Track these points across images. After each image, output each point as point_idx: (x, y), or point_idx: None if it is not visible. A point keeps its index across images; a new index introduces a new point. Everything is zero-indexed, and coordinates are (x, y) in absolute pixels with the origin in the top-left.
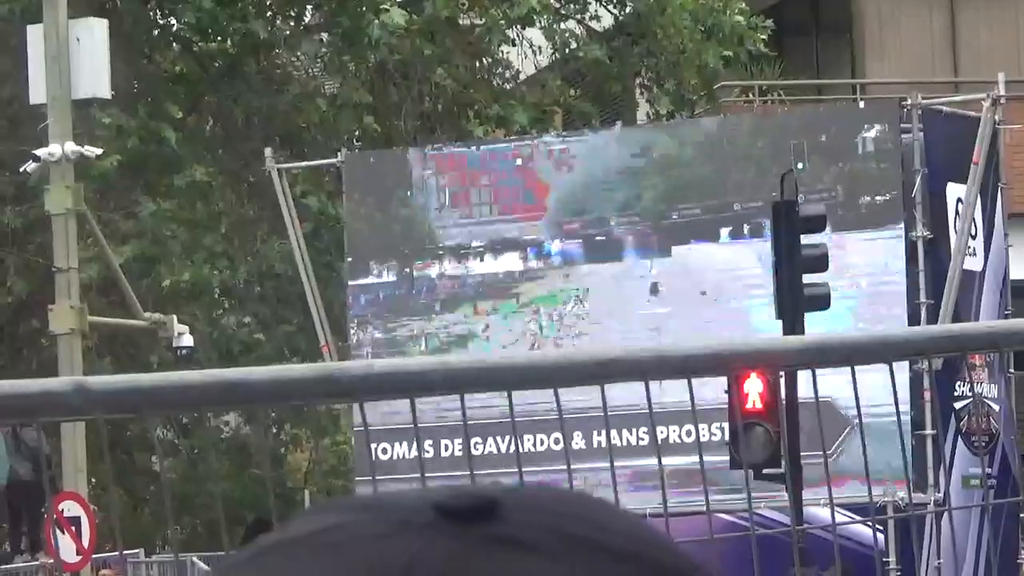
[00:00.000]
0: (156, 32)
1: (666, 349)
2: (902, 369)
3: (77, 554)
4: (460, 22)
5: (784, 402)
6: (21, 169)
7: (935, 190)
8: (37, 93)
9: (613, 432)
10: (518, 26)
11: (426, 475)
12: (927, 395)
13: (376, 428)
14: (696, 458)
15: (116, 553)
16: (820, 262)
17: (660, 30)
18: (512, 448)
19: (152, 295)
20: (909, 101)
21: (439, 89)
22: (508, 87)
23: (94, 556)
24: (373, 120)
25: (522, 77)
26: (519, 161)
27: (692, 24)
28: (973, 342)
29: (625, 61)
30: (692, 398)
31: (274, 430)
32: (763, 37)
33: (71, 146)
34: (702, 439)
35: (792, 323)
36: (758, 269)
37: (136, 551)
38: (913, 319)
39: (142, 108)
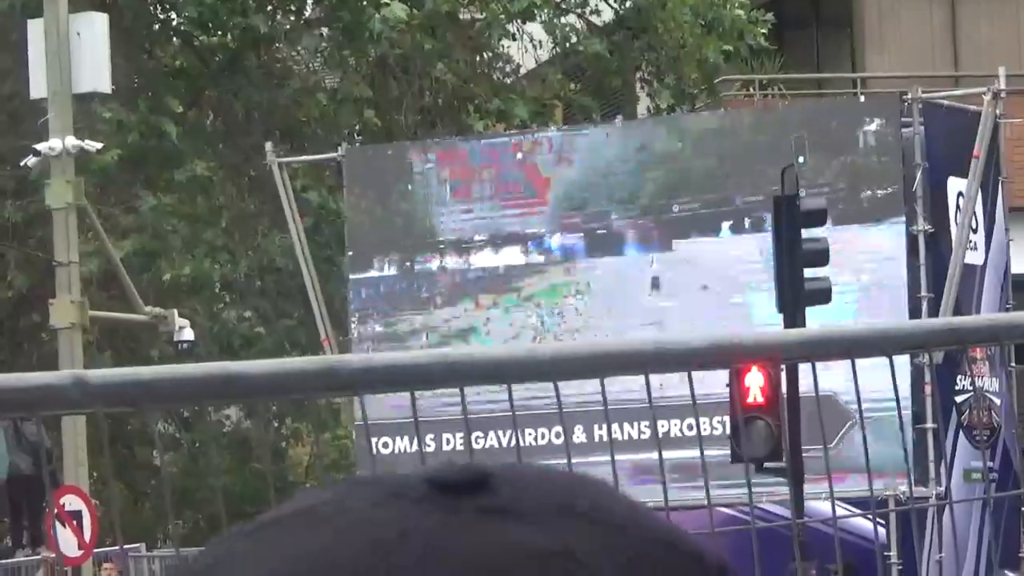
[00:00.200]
0: (156, 26)
1: (666, 342)
2: (903, 363)
3: (79, 548)
4: (460, 16)
5: (785, 396)
6: (22, 163)
7: (936, 184)
8: (38, 88)
9: (615, 426)
10: (518, 20)
11: None
12: (928, 389)
13: (377, 422)
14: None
15: (117, 547)
16: (821, 256)
17: (660, 24)
18: (520, 441)
19: (153, 289)
20: (910, 95)
21: (439, 83)
22: (508, 81)
23: (96, 550)
24: (374, 114)
25: (522, 71)
26: (520, 155)
27: (692, 18)
28: (973, 335)
29: (626, 55)
30: (692, 391)
31: (275, 424)
32: (763, 31)
33: (72, 140)
34: (704, 433)
35: (793, 317)
36: (759, 263)
37: (138, 545)
38: (914, 313)
39: (143, 102)
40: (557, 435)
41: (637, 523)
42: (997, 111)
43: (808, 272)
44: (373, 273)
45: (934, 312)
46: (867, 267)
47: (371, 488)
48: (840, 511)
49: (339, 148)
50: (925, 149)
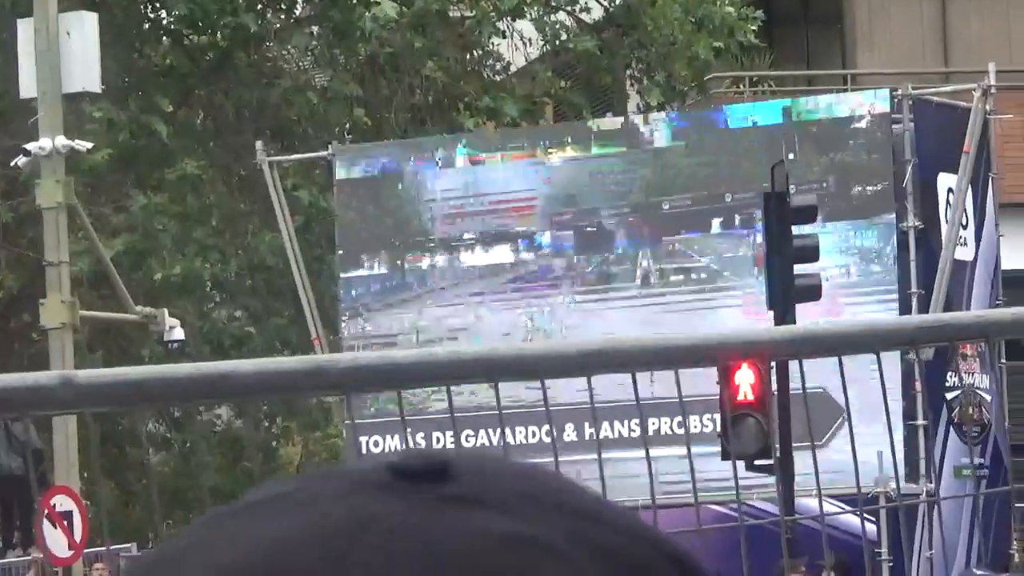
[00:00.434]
0: (146, 25)
1: (653, 340)
2: (895, 359)
3: (69, 548)
4: (450, 14)
5: (774, 393)
6: (12, 163)
7: (926, 180)
8: (27, 87)
9: (605, 424)
10: (508, 18)
11: None
12: (919, 385)
13: (368, 421)
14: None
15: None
16: (811, 252)
17: (650, 21)
18: (510, 440)
19: (143, 289)
20: (900, 91)
21: (430, 82)
22: (498, 79)
23: (86, 550)
24: (364, 113)
25: (512, 69)
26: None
27: (682, 15)
28: (961, 332)
29: (615, 53)
30: (679, 389)
31: (266, 423)
32: (753, 28)
33: (62, 140)
34: (695, 430)
35: (783, 313)
36: (750, 260)
37: (128, 545)
38: (904, 309)
39: (133, 102)
40: (548, 433)
41: (600, 512)
42: (987, 107)
43: (798, 268)
44: (363, 272)
45: (924, 308)
46: (857, 263)
47: (334, 478)
48: (831, 508)
49: (329, 147)
50: (915, 145)
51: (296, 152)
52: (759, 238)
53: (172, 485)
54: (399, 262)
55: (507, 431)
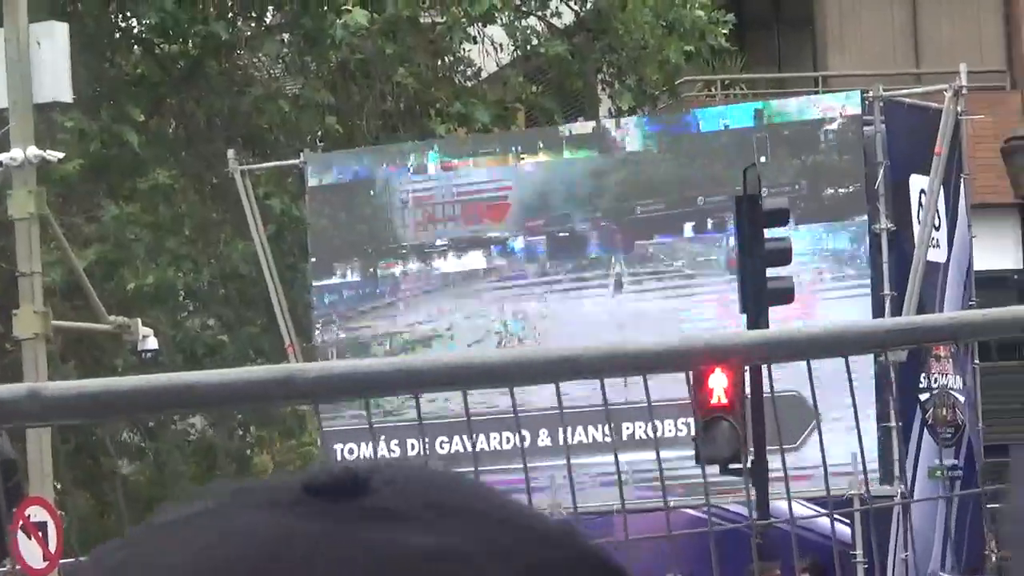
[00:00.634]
0: (117, 35)
1: (624, 346)
2: (868, 362)
3: (44, 559)
4: (421, 21)
5: (747, 396)
6: None
7: (898, 182)
8: None
9: (579, 429)
10: (479, 24)
11: None
12: (892, 387)
13: (342, 428)
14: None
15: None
16: (784, 255)
17: (621, 26)
18: (483, 446)
19: (116, 299)
20: (871, 93)
21: (401, 88)
22: (470, 85)
23: (61, 561)
24: (335, 120)
25: (484, 75)
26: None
27: (653, 19)
28: (931, 334)
29: (586, 57)
30: (648, 394)
31: (240, 432)
32: (724, 32)
33: (33, 150)
34: (669, 434)
35: (756, 316)
36: (722, 264)
37: None
38: (877, 311)
39: (104, 111)
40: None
41: (518, 520)
42: (958, 108)
43: (771, 271)
44: (336, 279)
45: (897, 310)
46: (830, 266)
47: (248, 496)
48: (806, 511)
49: (301, 154)
50: (887, 147)
51: (268, 160)
52: (731, 241)
53: (147, 495)
54: (372, 269)
55: (480, 437)
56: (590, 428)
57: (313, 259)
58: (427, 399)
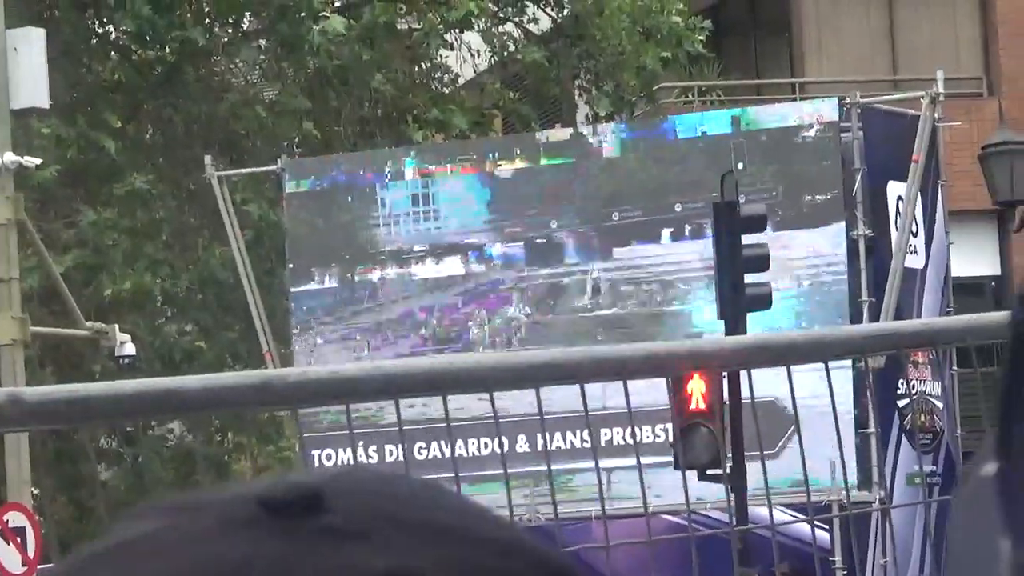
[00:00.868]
0: (94, 41)
1: (603, 352)
2: (846, 368)
3: (23, 565)
4: (398, 27)
5: (725, 402)
6: None
7: (875, 188)
8: None
9: (558, 435)
10: (456, 30)
11: None
12: (870, 393)
13: (320, 434)
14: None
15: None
16: (761, 262)
17: (598, 32)
18: (462, 451)
19: (94, 304)
20: (848, 100)
21: (378, 94)
22: (447, 91)
23: (40, 567)
24: (313, 126)
25: (461, 81)
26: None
27: (630, 25)
28: (908, 340)
29: (564, 63)
30: (628, 400)
31: (218, 438)
32: (701, 38)
33: (10, 156)
34: (648, 440)
35: (734, 323)
36: (700, 270)
37: None
38: (855, 318)
39: (81, 117)
40: (499, 445)
41: (476, 531)
42: (936, 115)
43: (749, 278)
44: (314, 285)
45: (875, 317)
46: (807, 272)
47: (199, 515)
48: (785, 517)
49: (278, 160)
50: (864, 153)
51: (245, 166)
52: (709, 248)
53: (125, 500)
54: (349, 275)
55: (459, 443)
56: (568, 434)
57: (291, 265)
58: (406, 404)
